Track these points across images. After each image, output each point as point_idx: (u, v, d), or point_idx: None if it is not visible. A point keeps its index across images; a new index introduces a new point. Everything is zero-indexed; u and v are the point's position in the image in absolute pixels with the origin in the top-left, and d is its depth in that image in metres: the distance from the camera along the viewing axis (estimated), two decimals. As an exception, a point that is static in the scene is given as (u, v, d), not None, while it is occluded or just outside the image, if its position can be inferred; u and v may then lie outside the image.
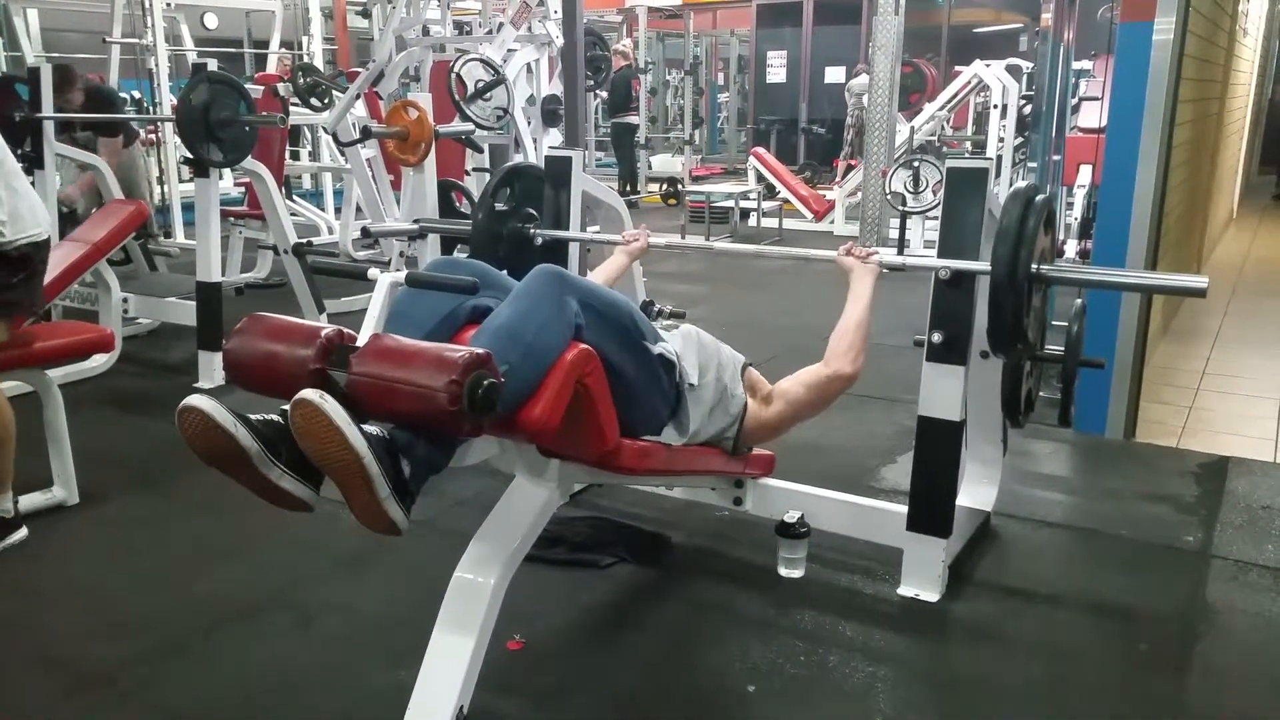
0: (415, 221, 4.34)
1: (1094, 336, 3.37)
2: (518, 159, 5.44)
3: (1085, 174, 5.92)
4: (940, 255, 2.26)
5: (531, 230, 2.75)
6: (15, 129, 4.34)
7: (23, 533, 2.70)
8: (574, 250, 2.86)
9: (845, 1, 13.40)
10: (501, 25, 5.53)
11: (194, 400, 1.52)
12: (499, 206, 2.70)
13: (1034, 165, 4.91)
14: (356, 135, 5.05)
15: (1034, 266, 2.14)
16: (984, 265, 2.18)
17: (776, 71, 14.33)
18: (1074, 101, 6.33)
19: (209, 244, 4.06)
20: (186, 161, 4.19)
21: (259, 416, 1.57)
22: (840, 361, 2.30)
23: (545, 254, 2.75)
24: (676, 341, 2.22)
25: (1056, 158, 4.87)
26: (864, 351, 2.31)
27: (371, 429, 1.53)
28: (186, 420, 1.53)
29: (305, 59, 9.46)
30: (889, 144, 7.91)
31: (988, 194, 2.25)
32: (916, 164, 6.65)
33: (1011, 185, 7.70)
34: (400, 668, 2.01)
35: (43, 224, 2.74)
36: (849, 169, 9.82)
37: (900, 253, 6.99)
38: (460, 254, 3.39)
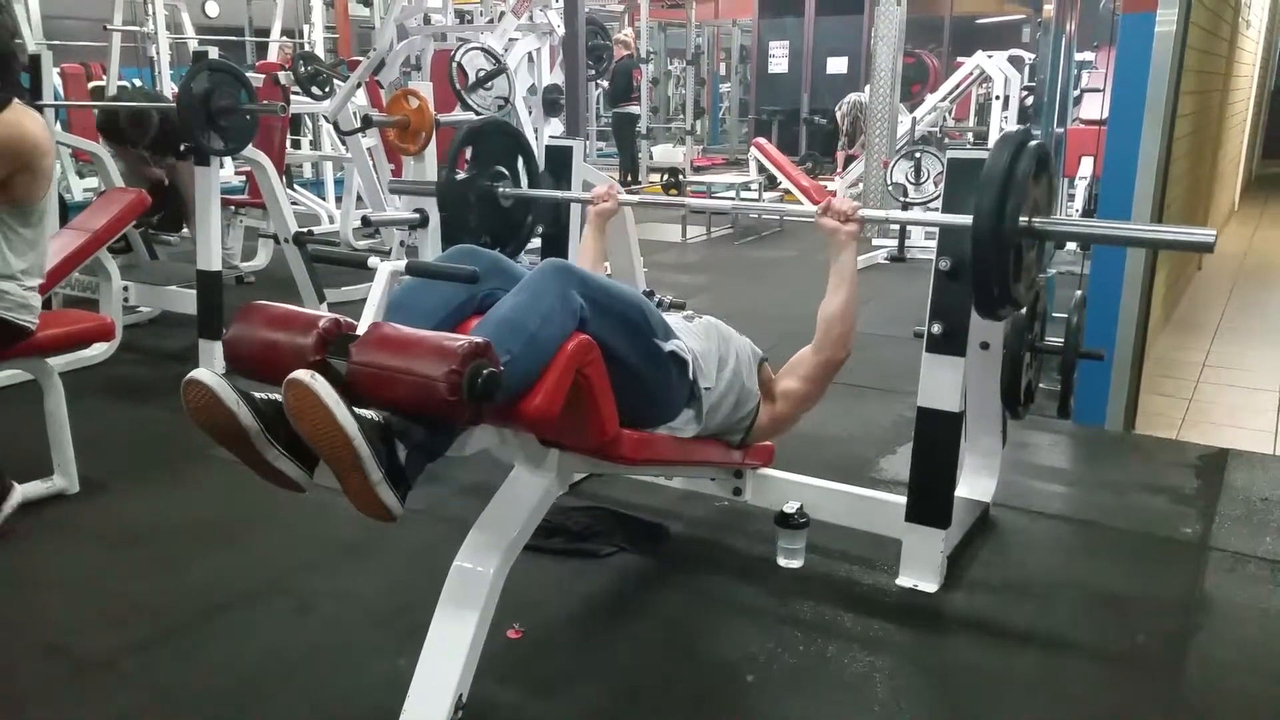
0: (415, 210, 4.34)
1: (1094, 328, 3.38)
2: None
3: (1087, 166, 5.92)
4: (940, 246, 2.26)
5: (500, 189, 2.70)
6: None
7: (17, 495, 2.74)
8: (574, 212, 2.86)
9: (847, -8, 13.35)
10: (503, 14, 5.52)
11: (199, 374, 1.53)
12: (464, 167, 2.66)
13: None
14: (357, 124, 5.06)
15: (1023, 219, 1.93)
16: (968, 219, 1.96)
17: (779, 62, 14.29)
18: (1076, 93, 6.32)
19: (209, 232, 4.05)
20: (187, 151, 4.18)
21: (262, 395, 1.58)
22: (832, 349, 2.29)
23: (512, 213, 2.74)
24: (698, 337, 2.21)
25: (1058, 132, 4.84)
26: (854, 332, 2.28)
27: (366, 412, 1.53)
28: (191, 393, 1.54)
29: (306, 47, 9.44)
30: (891, 135, 7.90)
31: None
32: (918, 155, 6.64)
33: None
34: (400, 655, 2.02)
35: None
36: (849, 160, 9.81)
37: (901, 246, 7.00)
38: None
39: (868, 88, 8.00)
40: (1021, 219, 1.94)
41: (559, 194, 2.85)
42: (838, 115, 10.66)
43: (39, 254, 2.73)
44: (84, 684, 2.05)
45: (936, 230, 2.30)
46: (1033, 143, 1.97)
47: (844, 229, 2.24)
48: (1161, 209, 3.51)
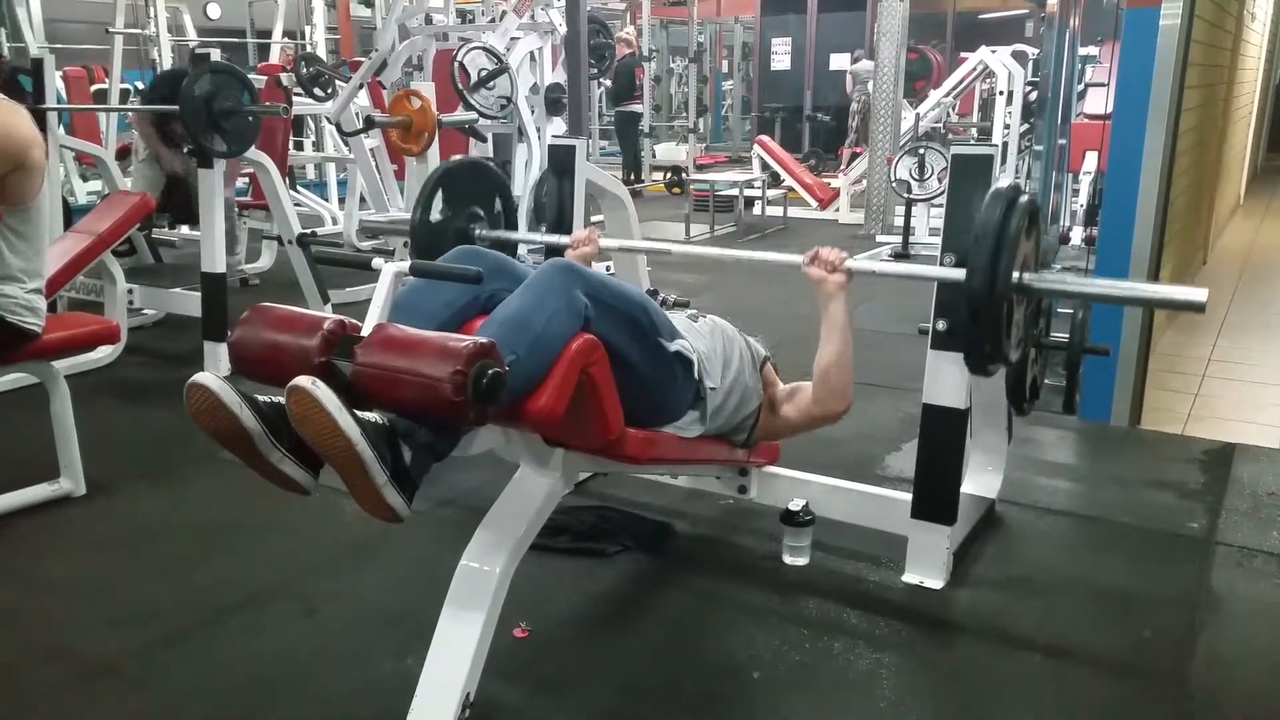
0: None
1: (1099, 323, 3.35)
2: (521, 149, 5.44)
3: (1091, 160, 5.90)
4: (945, 243, 2.25)
5: (476, 230, 2.62)
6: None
7: None
8: (578, 212, 2.84)
9: (850, -12, 13.34)
10: (504, 13, 5.51)
11: (202, 378, 1.54)
12: (438, 208, 2.60)
13: (1040, 148, 4.84)
14: (360, 125, 5.05)
15: (1016, 275, 1.94)
16: (961, 273, 1.99)
17: (781, 59, 14.28)
18: (1080, 87, 6.30)
19: (213, 234, 4.05)
20: (191, 152, 4.18)
21: (265, 398, 1.59)
22: (831, 402, 2.26)
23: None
24: (703, 337, 2.21)
25: (1061, 142, 4.84)
26: (851, 383, 2.24)
27: (370, 416, 1.54)
28: (194, 397, 1.55)
29: (308, 48, 9.44)
30: (894, 131, 7.89)
31: (993, 181, 2.24)
32: (922, 151, 6.63)
33: (1017, 173, 7.68)
34: (406, 656, 2.02)
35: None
36: (854, 157, 9.79)
37: (905, 243, 6.98)
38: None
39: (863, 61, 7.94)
40: (1014, 275, 1.94)
41: (538, 237, 2.78)
42: (849, 84, 10.54)
43: (37, 251, 2.72)
44: (89, 687, 2.05)
45: (940, 226, 2.30)
46: (1023, 198, 1.97)
47: (831, 279, 2.20)
48: (1166, 204, 3.50)
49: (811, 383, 2.29)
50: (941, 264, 2.24)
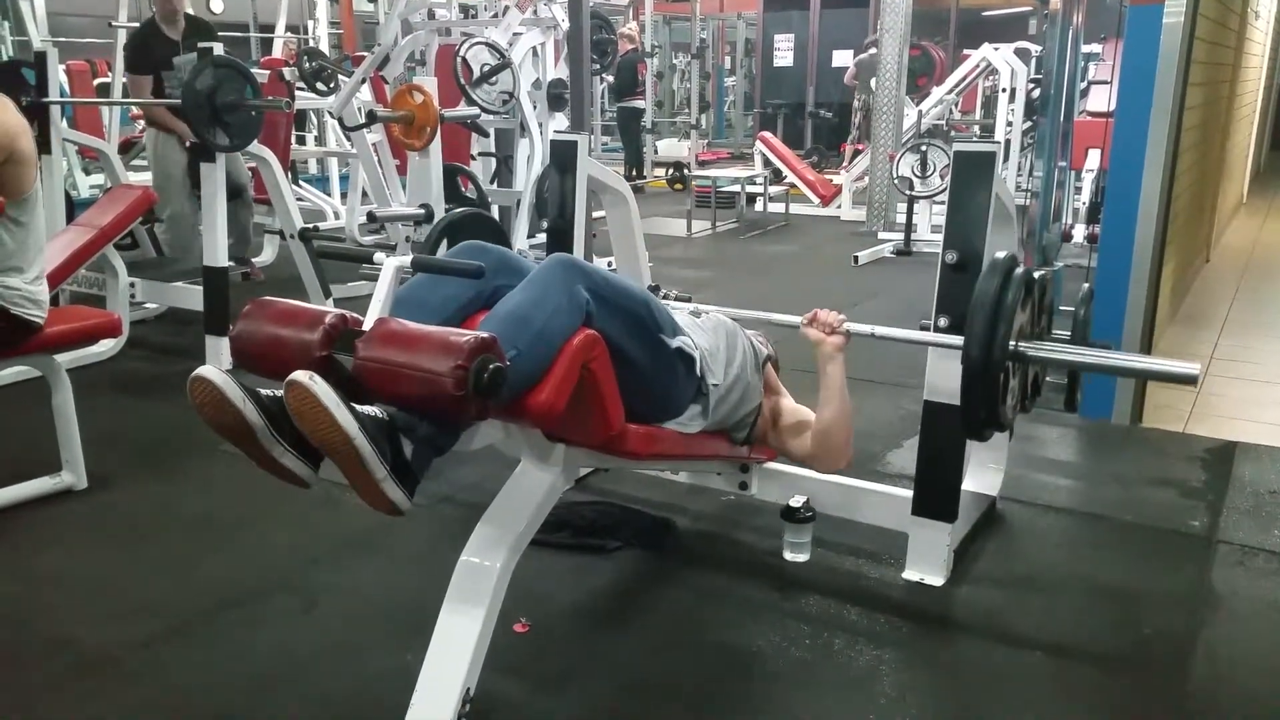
0: (420, 206, 4.33)
1: (1101, 321, 3.35)
2: (523, 144, 5.44)
3: (1094, 158, 5.89)
4: (946, 241, 2.26)
5: None
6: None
7: None
8: (579, 236, 2.84)
9: (853, -16, 13.32)
10: (507, 9, 5.51)
11: (205, 371, 1.54)
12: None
13: (1040, 170, 4.79)
14: (362, 120, 5.05)
15: (1013, 344, 1.99)
16: (958, 339, 2.04)
17: (784, 55, 14.26)
18: (1083, 85, 6.29)
19: (215, 228, 4.05)
20: (193, 147, 4.17)
21: (268, 392, 1.59)
22: (828, 460, 2.33)
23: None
24: (705, 333, 2.21)
25: (1061, 164, 4.81)
26: (850, 443, 2.29)
27: (369, 410, 1.54)
28: (197, 390, 1.55)
29: (311, 43, 9.43)
30: (896, 128, 7.88)
31: (995, 179, 2.24)
32: (924, 148, 6.62)
33: (1019, 169, 7.66)
34: (406, 650, 2.02)
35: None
36: (856, 153, 9.78)
37: (907, 240, 6.98)
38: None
39: (872, 49, 7.92)
40: (1010, 344, 1.99)
41: None
42: (850, 74, 10.54)
43: (37, 241, 2.73)
44: (90, 680, 2.05)
45: (942, 223, 2.29)
46: (1019, 270, 2.02)
47: (829, 341, 2.21)
48: (1169, 202, 3.50)
49: (812, 432, 2.31)
50: (943, 260, 2.25)
